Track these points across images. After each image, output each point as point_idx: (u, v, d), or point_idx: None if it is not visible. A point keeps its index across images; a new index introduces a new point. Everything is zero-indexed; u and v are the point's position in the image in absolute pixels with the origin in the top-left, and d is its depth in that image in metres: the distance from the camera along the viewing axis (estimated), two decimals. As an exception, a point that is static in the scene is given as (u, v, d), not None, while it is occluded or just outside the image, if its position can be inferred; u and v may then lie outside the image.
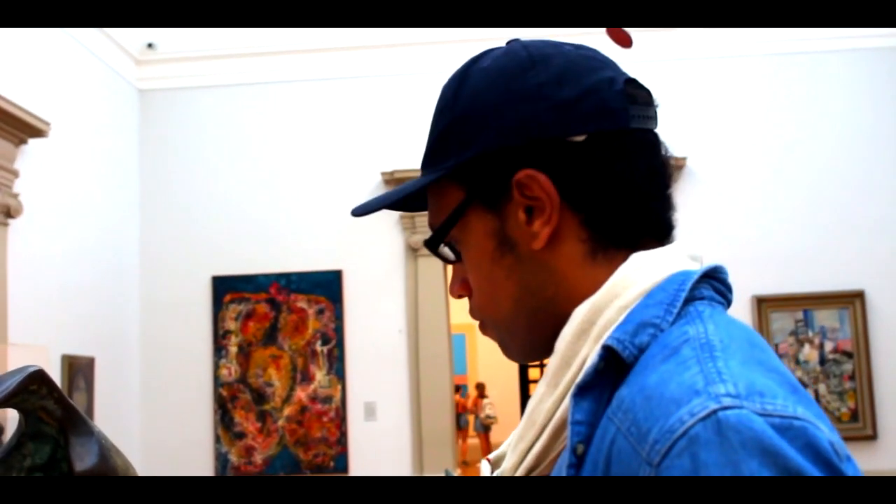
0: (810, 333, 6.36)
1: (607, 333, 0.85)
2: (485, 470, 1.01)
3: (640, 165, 0.94)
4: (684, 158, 6.36)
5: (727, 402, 0.69)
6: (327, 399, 6.55)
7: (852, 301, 6.33)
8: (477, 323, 1.04)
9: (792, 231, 6.44)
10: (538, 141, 0.91)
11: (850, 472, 0.69)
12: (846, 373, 6.31)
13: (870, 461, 5.99)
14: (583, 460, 0.80)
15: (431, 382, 6.54)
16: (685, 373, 0.74)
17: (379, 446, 6.52)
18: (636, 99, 0.94)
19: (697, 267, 0.93)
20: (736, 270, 5.67)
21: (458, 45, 6.53)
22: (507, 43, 1.00)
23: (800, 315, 6.36)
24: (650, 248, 0.93)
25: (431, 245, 1.02)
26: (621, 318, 0.86)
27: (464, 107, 0.96)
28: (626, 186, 0.93)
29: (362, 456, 6.52)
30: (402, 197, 1.02)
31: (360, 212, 1.05)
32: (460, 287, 1.03)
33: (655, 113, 0.97)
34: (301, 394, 6.57)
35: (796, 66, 6.60)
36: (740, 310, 6.25)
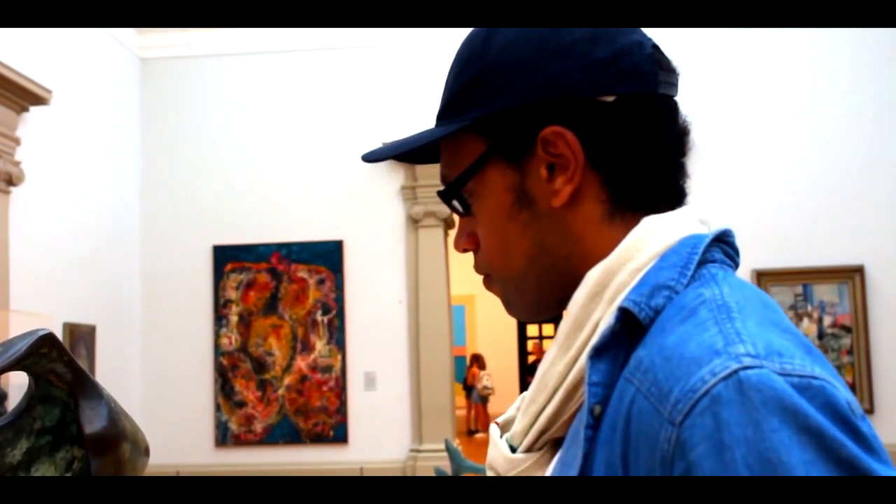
0: (809, 308, 6.38)
1: (620, 296, 0.86)
2: (494, 433, 1.01)
3: (666, 131, 0.95)
4: (686, 132, 6.33)
5: (748, 361, 0.70)
6: (327, 368, 6.58)
7: (852, 276, 6.35)
8: (475, 293, 1.03)
9: (793, 206, 6.44)
10: (568, 98, 0.90)
11: (865, 430, 0.70)
12: (844, 347, 6.34)
13: (866, 435, 6.01)
14: (600, 421, 0.81)
15: (431, 353, 6.57)
16: (704, 333, 0.75)
17: (378, 416, 6.55)
18: (663, 64, 0.94)
19: (706, 231, 0.93)
20: (737, 244, 5.67)
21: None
22: None
23: (799, 289, 6.38)
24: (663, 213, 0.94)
25: (447, 196, 1.00)
26: (634, 281, 0.86)
27: (493, 59, 0.94)
28: (650, 150, 0.93)
29: (362, 425, 6.55)
30: (416, 146, 0.99)
31: (370, 158, 1.03)
32: (466, 241, 1.01)
33: (678, 80, 0.97)
34: (301, 363, 6.60)
35: (802, 39, 6.57)
36: (740, 283, 6.25)
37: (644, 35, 0.96)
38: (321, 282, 6.63)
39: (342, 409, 6.56)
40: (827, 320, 6.37)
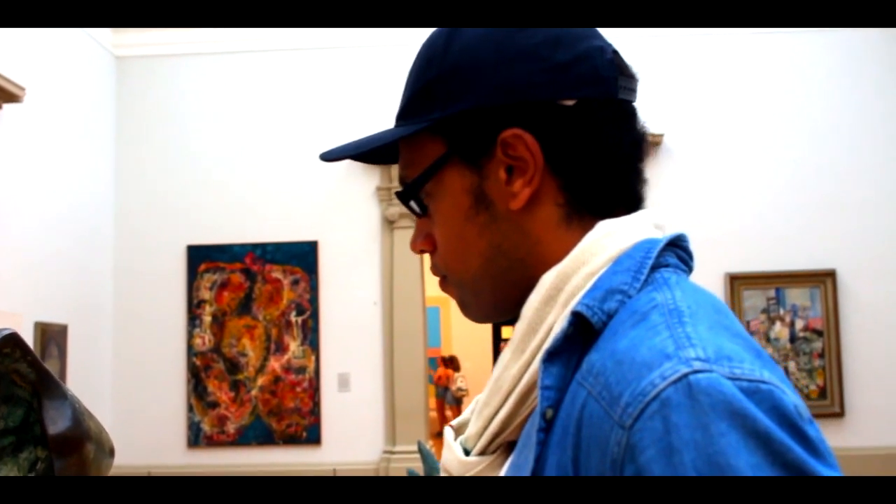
0: (781, 311, 6.42)
1: (574, 300, 0.86)
2: (448, 436, 1.01)
3: (624, 136, 0.95)
4: (661, 135, 6.38)
5: (698, 365, 0.71)
6: (301, 369, 6.57)
7: (823, 280, 6.39)
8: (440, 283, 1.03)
9: (766, 210, 6.49)
10: (528, 101, 0.91)
11: (813, 434, 0.70)
12: (816, 351, 6.38)
13: (837, 438, 6.07)
14: (552, 424, 0.81)
15: (405, 354, 6.56)
16: (655, 337, 0.76)
17: (352, 417, 6.54)
18: (623, 70, 0.95)
19: (661, 235, 0.94)
20: (710, 247, 5.75)
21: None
22: None
23: (772, 293, 6.42)
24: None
25: (404, 197, 0.99)
26: (588, 285, 0.87)
27: (454, 61, 0.94)
28: (609, 155, 0.93)
29: (335, 427, 6.54)
30: (376, 146, 0.99)
31: (329, 157, 1.02)
32: (423, 242, 1.01)
33: (637, 86, 0.98)
34: (275, 364, 6.58)
35: (774, 44, 6.62)
36: (713, 286, 6.30)
37: (604, 40, 0.97)
38: (295, 282, 6.62)
39: (315, 411, 6.54)
40: (799, 324, 6.41)
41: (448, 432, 1.02)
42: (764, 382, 0.71)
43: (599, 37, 0.96)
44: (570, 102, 0.91)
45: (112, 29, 6.72)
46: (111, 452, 1.13)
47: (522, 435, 0.89)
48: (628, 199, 0.96)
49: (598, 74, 0.92)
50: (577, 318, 0.83)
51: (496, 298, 0.97)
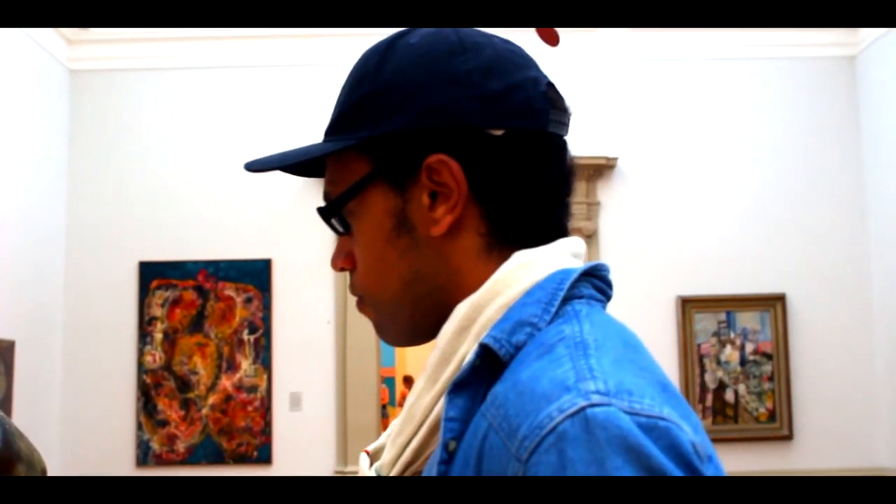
0: (732, 334, 6.48)
1: (487, 331, 0.85)
2: (363, 462, 1.00)
3: (552, 169, 0.95)
4: (615, 158, 6.43)
5: (596, 399, 0.70)
6: (252, 388, 6.52)
7: (773, 304, 6.47)
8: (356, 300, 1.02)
9: (718, 234, 6.56)
10: (456, 128, 0.90)
11: (709, 473, 0.71)
12: (765, 374, 6.44)
13: (786, 461, 6.13)
14: (454, 456, 0.80)
15: (358, 374, 6.54)
16: (558, 369, 0.75)
17: (303, 437, 6.50)
18: (555, 103, 0.94)
19: (580, 264, 0.93)
20: (662, 271, 5.77)
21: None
22: None
23: (722, 316, 6.48)
24: None
25: (326, 214, 0.99)
26: (501, 317, 0.86)
27: (386, 80, 0.93)
28: (533, 188, 0.93)
29: (286, 446, 6.49)
30: (302, 160, 0.98)
31: (254, 167, 1.01)
32: (343, 260, 1.00)
33: (569, 120, 0.97)
34: (226, 382, 6.52)
35: (728, 70, 6.71)
36: (665, 310, 6.35)
37: (540, 71, 0.96)
38: (248, 300, 6.57)
39: (267, 430, 6.49)
40: (749, 347, 6.47)
41: (364, 459, 1.01)
42: (662, 419, 0.71)
43: (536, 67, 0.96)
44: (499, 132, 0.91)
45: (66, 42, 6.66)
46: (43, 473, 1.11)
47: (426, 466, 0.88)
48: (552, 232, 0.95)
49: (530, 106, 0.92)
50: (484, 349, 0.82)
51: (413, 322, 0.96)
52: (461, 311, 0.89)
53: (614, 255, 6.25)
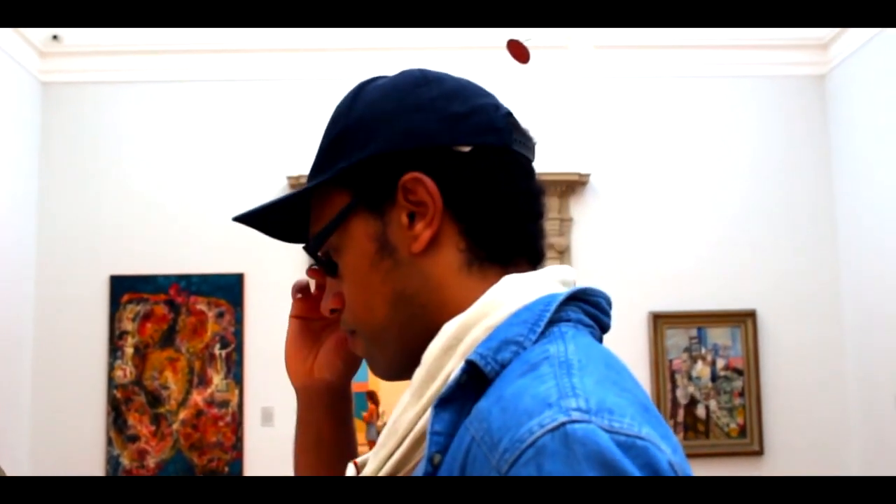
0: (703, 350, 6.51)
1: (473, 350, 0.87)
2: (350, 472, 1.03)
3: (521, 185, 0.98)
4: (588, 175, 6.46)
5: (576, 415, 0.72)
6: (224, 403, 6.48)
7: (744, 320, 6.51)
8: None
9: (689, 250, 6.60)
10: (426, 147, 0.95)
11: None
12: (736, 389, 6.48)
13: (756, 476, 6.16)
14: (438, 469, 0.82)
15: (330, 389, 6.50)
16: (541, 386, 0.77)
17: (275, 452, 6.45)
18: (517, 128, 0.99)
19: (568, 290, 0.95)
20: (634, 287, 5.79)
21: (366, 53, 6.54)
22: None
23: (694, 332, 6.51)
24: (523, 270, 0.97)
25: (311, 249, 1.02)
26: (487, 336, 0.88)
27: (357, 116, 0.98)
28: (505, 199, 0.96)
29: (258, 461, 6.46)
30: (285, 202, 1.03)
31: (239, 220, 1.06)
32: (333, 300, 1.04)
33: (533, 146, 1.02)
34: (197, 397, 6.49)
35: (699, 88, 6.76)
36: (637, 325, 6.38)
37: (498, 101, 1.02)
38: (220, 315, 6.54)
39: (238, 445, 6.46)
40: (720, 363, 6.51)
41: (350, 469, 1.04)
42: (641, 438, 0.72)
43: (494, 97, 1.02)
44: (467, 148, 0.95)
45: (38, 54, 6.63)
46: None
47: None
48: (528, 250, 1.00)
49: (493, 125, 0.97)
50: (470, 366, 0.84)
51: (402, 348, 0.98)
52: (449, 329, 0.91)
53: (587, 270, 6.28)
